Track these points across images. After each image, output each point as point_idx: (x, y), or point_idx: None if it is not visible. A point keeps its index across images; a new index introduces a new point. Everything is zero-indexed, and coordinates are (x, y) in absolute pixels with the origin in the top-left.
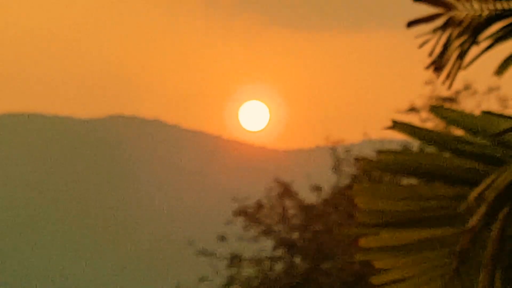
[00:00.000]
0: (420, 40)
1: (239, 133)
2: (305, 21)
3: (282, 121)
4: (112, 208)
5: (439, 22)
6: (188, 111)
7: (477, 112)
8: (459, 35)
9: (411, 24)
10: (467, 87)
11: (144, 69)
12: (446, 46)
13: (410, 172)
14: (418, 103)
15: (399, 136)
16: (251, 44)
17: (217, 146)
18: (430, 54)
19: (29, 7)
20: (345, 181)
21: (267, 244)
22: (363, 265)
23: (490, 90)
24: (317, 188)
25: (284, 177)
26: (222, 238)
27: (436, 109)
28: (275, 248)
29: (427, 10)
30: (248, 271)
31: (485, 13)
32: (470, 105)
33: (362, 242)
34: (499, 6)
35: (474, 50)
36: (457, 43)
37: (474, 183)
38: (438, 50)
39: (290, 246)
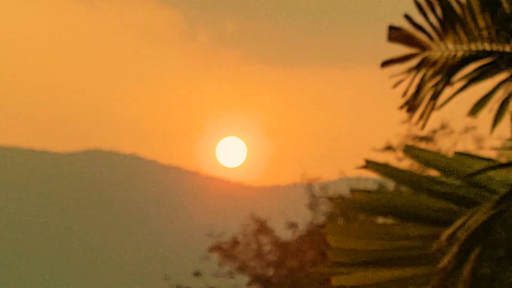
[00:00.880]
0: (395, 80)
1: (216, 169)
2: (283, 57)
3: (259, 157)
4: (87, 243)
5: (414, 62)
6: (165, 147)
7: (453, 151)
8: (433, 76)
9: (385, 64)
10: (443, 126)
11: (122, 104)
12: (420, 86)
13: (384, 212)
14: (395, 141)
15: (375, 175)
16: (229, 80)
17: (194, 182)
18: (404, 95)
19: (6, 41)
20: (321, 219)
21: (243, 280)
22: None
23: (467, 129)
24: (293, 225)
25: (260, 213)
26: (198, 274)
27: (409, 150)
28: (250, 284)
29: (404, 49)
30: None
31: (460, 54)
32: (446, 144)
33: (335, 280)
34: (473, 47)
35: (449, 90)
36: (431, 83)
37: (446, 223)
38: (412, 90)
39: (265, 282)
